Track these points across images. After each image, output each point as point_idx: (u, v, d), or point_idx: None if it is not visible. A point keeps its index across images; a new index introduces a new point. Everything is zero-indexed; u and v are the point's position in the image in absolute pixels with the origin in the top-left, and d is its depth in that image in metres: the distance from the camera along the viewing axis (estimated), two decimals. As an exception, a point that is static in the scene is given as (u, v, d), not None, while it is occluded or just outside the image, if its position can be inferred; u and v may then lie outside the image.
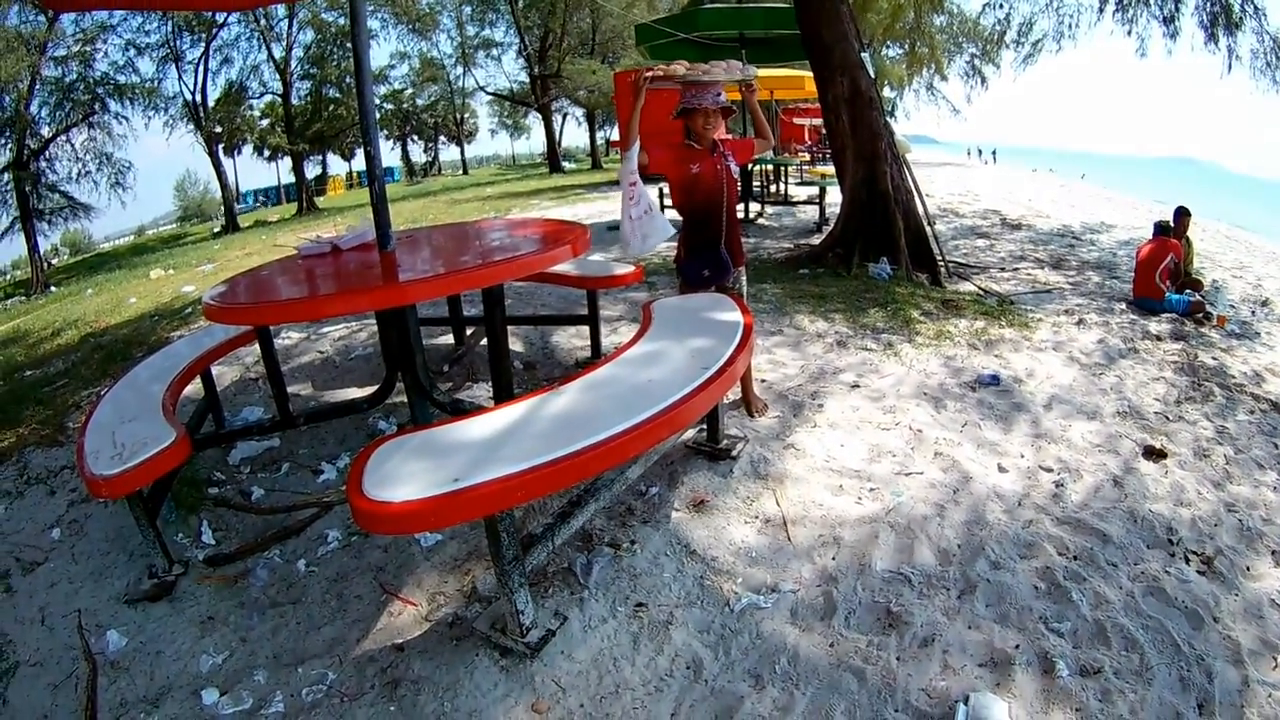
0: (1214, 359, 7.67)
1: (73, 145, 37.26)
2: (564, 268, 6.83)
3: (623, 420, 3.32)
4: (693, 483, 5.03)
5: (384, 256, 5.10)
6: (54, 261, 45.42)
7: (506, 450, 3.13)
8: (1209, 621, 3.85)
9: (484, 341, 7.03)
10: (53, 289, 26.42)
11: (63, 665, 3.89)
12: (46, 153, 36.05)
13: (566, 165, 60.17)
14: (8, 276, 45.98)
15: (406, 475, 3.00)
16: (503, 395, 5.45)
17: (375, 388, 5.87)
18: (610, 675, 3.54)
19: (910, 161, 12.07)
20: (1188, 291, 9.41)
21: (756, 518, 4.68)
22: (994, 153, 66.02)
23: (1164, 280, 9.23)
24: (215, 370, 6.31)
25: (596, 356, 7.22)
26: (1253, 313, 9.79)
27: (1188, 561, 4.35)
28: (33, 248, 34.26)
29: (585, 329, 7.47)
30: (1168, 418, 6.23)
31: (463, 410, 4.93)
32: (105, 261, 34.74)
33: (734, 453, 5.32)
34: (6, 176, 34.64)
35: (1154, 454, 5.58)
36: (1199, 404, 6.54)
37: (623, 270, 7.08)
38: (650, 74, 4.89)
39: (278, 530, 4.85)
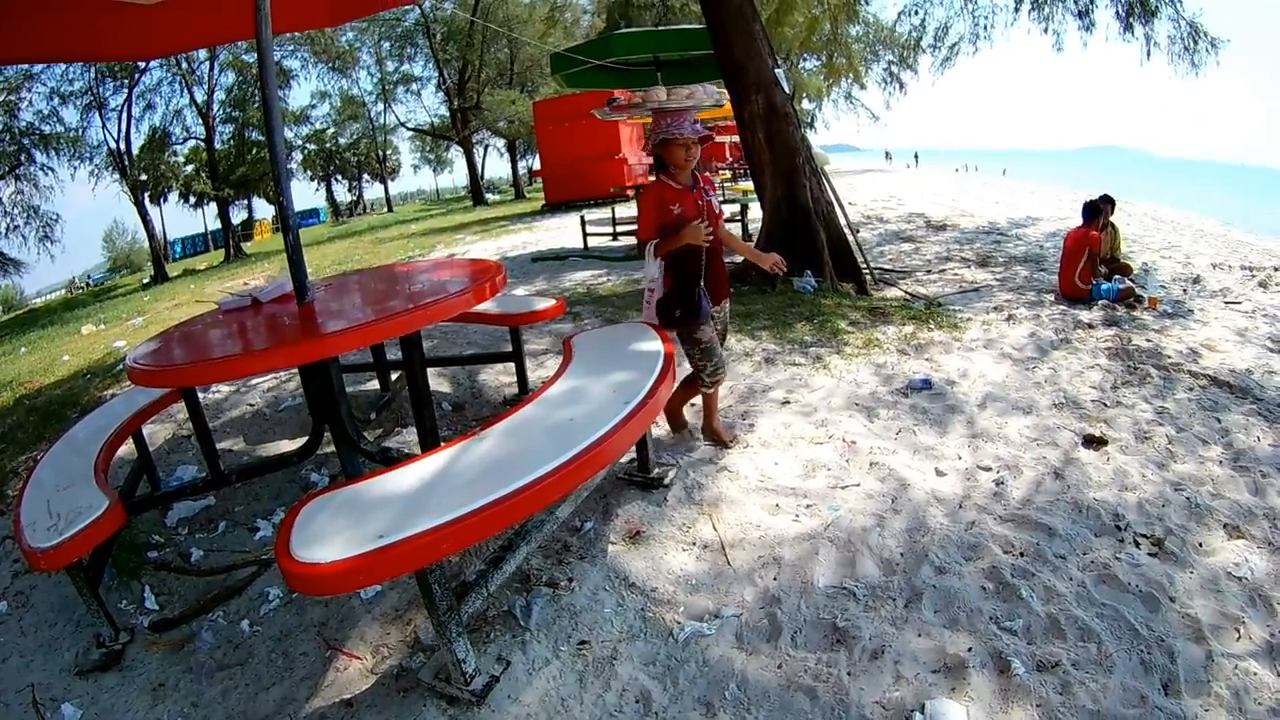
0: (1148, 341, 7.74)
1: (0, 199, 36.53)
2: (485, 306, 6.65)
3: (546, 462, 3.29)
4: (627, 514, 4.96)
5: (302, 309, 5.01)
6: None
7: (431, 502, 3.09)
8: (1165, 602, 3.84)
9: (408, 387, 6.95)
10: (-15, 347, 25.80)
11: (22, 743, 3.77)
12: (-27, 207, 35.00)
13: (490, 197, 60.51)
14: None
15: (333, 533, 2.95)
16: (428, 442, 5.36)
17: (306, 439, 5.76)
18: (559, 716, 3.46)
19: (830, 172, 12.14)
20: (1117, 278, 9.49)
21: (694, 544, 4.62)
22: (915, 156, 66.82)
23: (1083, 280, 9.31)
24: (148, 429, 6.17)
25: (524, 393, 7.13)
26: (1184, 291, 9.96)
27: (1138, 545, 4.34)
28: (-38, 307, 33.34)
29: (512, 365, 7.37)
30: (1105, 404, 6.25)
31: (391, 459, 4.89)
32: (38, 318, 33.91)
33: (666, 480, 5.26)
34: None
35: (1094, 442, 5.59)
36: (1136, 387, 6.57)
37: (543, 305, 7.01)
38: (624, 100, 4.81)
39: (219, 591, 4.74)
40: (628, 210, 18.94)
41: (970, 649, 3.58)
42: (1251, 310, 8.94)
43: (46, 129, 37.59)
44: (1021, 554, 4.28)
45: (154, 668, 4.13)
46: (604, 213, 20.06)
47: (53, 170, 37.65)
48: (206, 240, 68.05)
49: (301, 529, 3.01)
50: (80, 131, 39.62)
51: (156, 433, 7.21)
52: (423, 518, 2.96)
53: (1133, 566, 4.13)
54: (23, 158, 36.17)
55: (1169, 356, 7.23)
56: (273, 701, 3.78)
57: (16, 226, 36.28)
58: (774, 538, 4.56)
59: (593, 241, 16.78)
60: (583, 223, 16.99)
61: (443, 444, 3.72)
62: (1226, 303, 9.30)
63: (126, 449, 5.85)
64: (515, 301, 7.37)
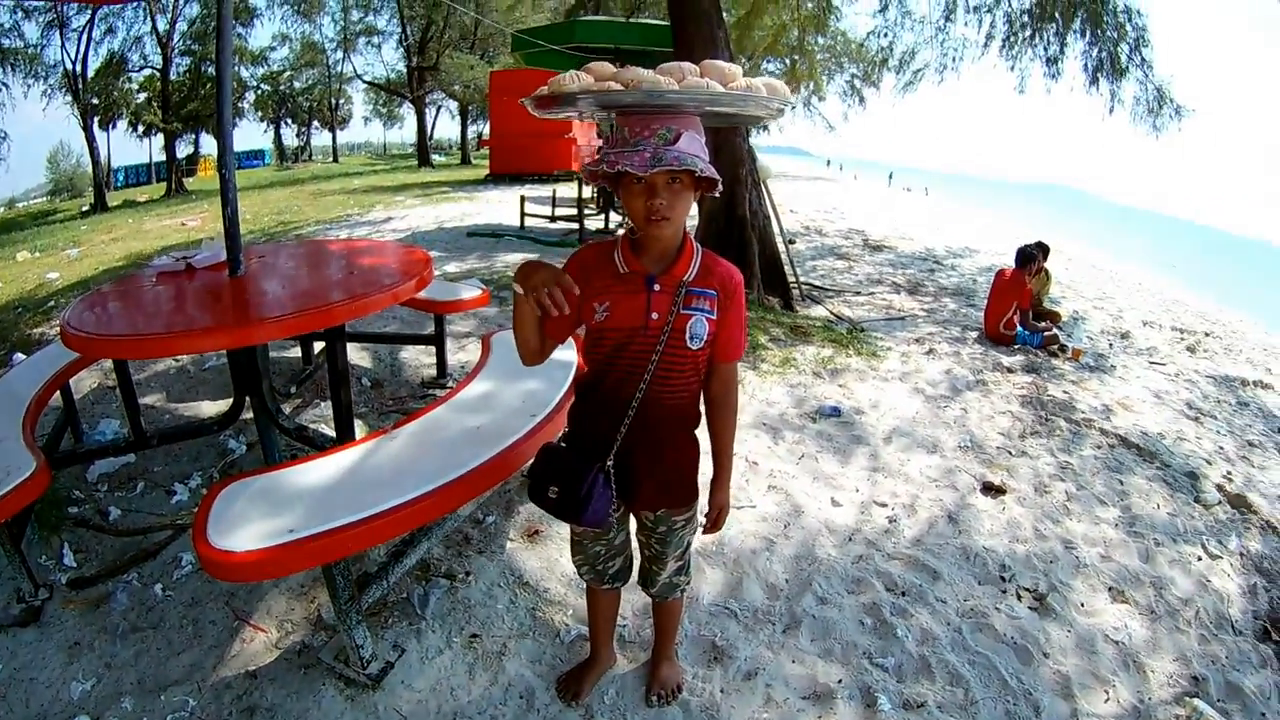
0: (1064, 393, 7.78)
1: (-52, 115, 35.31)
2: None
3: (453, 469, 3.42)
4: (528, 511, 5.02)
5: (233, 283, 5.06)
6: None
7: (340, 500, 3.20)
8: (1039, 656, 3.97)
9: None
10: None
11: (-56, 705, 3.78)
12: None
13: (436, 159, 60.05)
14: None
15: (247, 522, 3.03)
16: (343, 431, 5.40)
17: (228, 402, 5.79)
18: (448, 704, 3.57)
19: (777, 176, 12.18)
20: (1044, 323, 9.62)
21: (588, 549, 4.69)
22: (890, 175, 67.18)
23: (1008, 329, 9.42)
24: (74, 378, 6.10)
25: (442, 376, 7.30)
26: (1110, 345, 10.04)
27: (1019, 598, 4.46)
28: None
29: (433, 347, 7.42)
30: (1010, 452, 6.33)
31: (307, 438, 5.08)
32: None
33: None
34: None
35: (992, 490, 5.66)
36: (1044, 438, 6.65)
37: (470, 295, 7.08)
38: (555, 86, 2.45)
39: (135, 553, 4.77)
40: (568, 191, 18.85)
41: (840, 680, 3.71)
42: (1175, 373, 9.01)
43: (6, 43, 36.66)
44: (903, 593, 4.41)
45: (71, 626, 4.15)
46: (545, 190, 19.95)
47: (6, 86, 36.83)
48: (150, 171, 66.19)
49: (218, 515, 3.08)
50: (39, 49, 38.72)
51: (83, 380, 7.16)
52: (331, 515, 3.06)
53: (1011, 618, 4.26)
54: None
55: (1082, 411, 7.30)
56: (183, 667, 3.83)
57: (-39, 143, 35.04)
58: (665, 552, 4.63)
59: (530, 222, 16.66)
60: (522, 202, 16.87)
61: (357, 438, 3.85)
62: (1151, 363, 9.38)
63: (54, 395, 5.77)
64: (443, 288, 7.39)
